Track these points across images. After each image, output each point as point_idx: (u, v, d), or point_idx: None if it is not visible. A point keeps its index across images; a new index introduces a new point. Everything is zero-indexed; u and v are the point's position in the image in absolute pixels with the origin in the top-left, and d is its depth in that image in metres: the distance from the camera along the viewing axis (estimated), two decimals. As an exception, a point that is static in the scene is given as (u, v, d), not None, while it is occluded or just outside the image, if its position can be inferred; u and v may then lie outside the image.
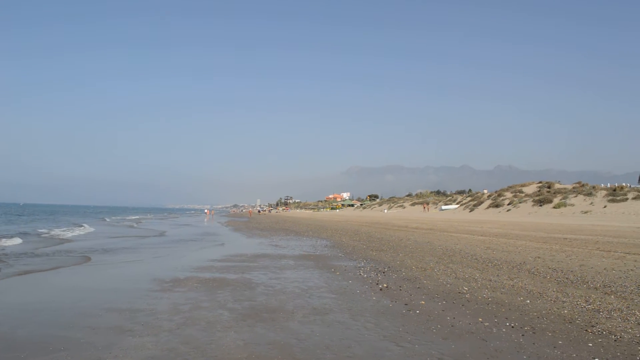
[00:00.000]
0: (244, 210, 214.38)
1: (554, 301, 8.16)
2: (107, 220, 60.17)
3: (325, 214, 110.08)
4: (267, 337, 6.42)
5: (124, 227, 41.90)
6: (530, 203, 54.37)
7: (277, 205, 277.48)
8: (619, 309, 7.51)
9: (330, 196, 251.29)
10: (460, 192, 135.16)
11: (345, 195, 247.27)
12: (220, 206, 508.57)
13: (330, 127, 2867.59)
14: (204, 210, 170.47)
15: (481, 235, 22.51)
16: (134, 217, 72.26)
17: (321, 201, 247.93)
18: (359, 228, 33.60)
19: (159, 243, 22.64)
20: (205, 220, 67.77)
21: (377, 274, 11.48)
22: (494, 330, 6.60)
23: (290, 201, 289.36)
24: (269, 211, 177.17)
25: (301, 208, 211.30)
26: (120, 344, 6.14)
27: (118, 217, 70.99)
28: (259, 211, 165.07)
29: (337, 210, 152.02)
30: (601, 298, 8.28)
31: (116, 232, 32.70)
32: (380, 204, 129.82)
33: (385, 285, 9.96)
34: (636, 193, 44.85)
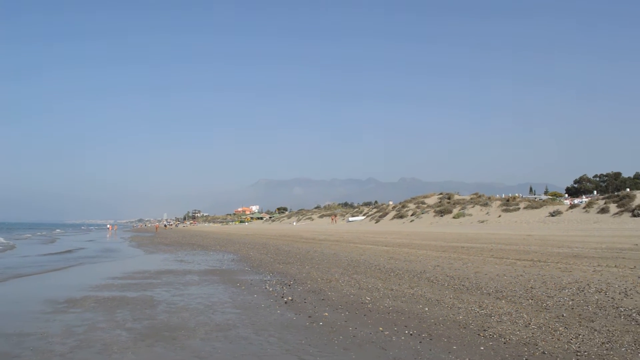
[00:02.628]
0: (149, 225, 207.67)
1: (451, 307, 8.51)
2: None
3: (233, 227, 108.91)
4: (166, 356, 6.23)
5: (20, 244, 39.18)
6: (432, 214, 56.58)
7: (185, 219, 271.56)
8: (508, 312, 7.95)
9: (239, 209, 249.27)
10: (367, 204, 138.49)
11: (254, 208, 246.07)
12: (124, 221, 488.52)
13: (237, 140, 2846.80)
14: (106, 225, 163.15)
15: (385, 246, 23.12)
16: (27, 235, 67.78)
17: (230, 214, 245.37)
18: (267, 241, 33.47)
19: (53, 261, 21.37)
20: (108, 236, 64.85)
21: (282, 287, 11.48)
22: (394, 338, 6.78)
23: (198, 215, 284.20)
24: (176, 225, 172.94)
25: (209, 222, 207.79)
26: (4, 371, 5.73)
27: (11, 235, 66.24)
28: (165, 225, 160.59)
29: (246, 223, 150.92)
30: (493, 303, 8.73)
31: (8, 251, 30.49)
32: (289, 217, 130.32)
33: (290, 298, 9.98)
34: (527, 203, 47.90)
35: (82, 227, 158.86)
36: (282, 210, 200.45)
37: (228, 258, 20.72)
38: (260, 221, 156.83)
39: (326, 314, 8.39)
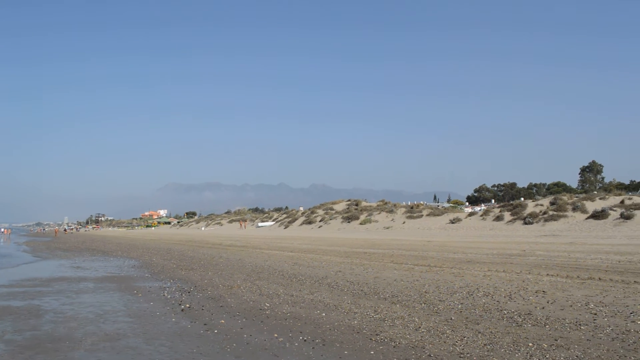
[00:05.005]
0: (48, 229, 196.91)
1: (347, 313, 8.65)
2: None
3: (139, 232, 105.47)
4: (46, 369, 5.89)
5: None
6: (339, 220, 57.44)
7: (87, 223, 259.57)
8: (401, 316, 8.19)
9: (146, 213, 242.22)
10: (278, 210, 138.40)
11: (162, 212, 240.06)
12: (20, 224, 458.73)
13: (146, 142, 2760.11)
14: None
15: (291, 252, 23.18)
16: None
17: (136, 219, 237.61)
18: (172, 246, 32.67)
19: None
20: (1, 241, 60.79)
21: (181, 294, 11.21)
22: (287, 344, 6.79)
23: (102, 219, 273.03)
24: (77, 230, 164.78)
25: (114, 226, 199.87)
26: None
27: None
28: (65, 230, 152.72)
29: (153, 228, 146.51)
30: (388, 307, 8.96)
31: None
32: (197, 222, 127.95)
33: (187, 305, 9.76)
34: (430, 210, 49.79)
35: None
36: (190, 215, 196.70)
37: (129, 264, 20.02)
38: (167, 226, 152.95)
39: (223, 321, 8.27)
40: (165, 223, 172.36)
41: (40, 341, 7.17)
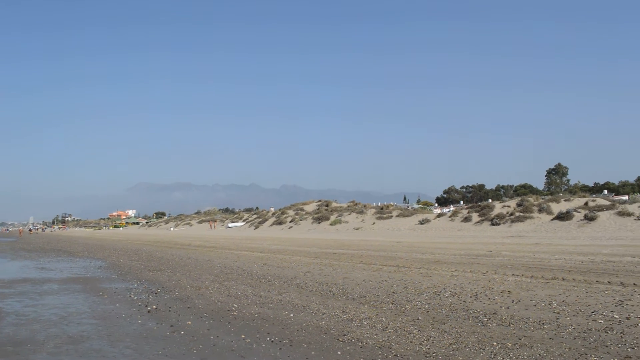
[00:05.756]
0: (12, 229, 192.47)
1: (315, 313, 8.66)
2: None
3: (106, 232, 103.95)
4: (5, 373, 5.76)
5: None
6: (310, 220, 57.48)
7: (53, 223, 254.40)
8: (369, 317, 8.23)
9: (114, 214, 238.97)
10: (248, 210, 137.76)
11: (131, 212, 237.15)
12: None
13: (115, 141, 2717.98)
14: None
15: (260, 252, 23.10)
16: None
17: (104, 219, 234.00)
18: (140, 247, 32.26)
19: None
20: (-40, 241, 59.11)
21: (148, 296, 11.08)
22: (254, 346, 6.76)
23: (69, 219, 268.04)
24: (43, 230, 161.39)
25: (81, 227, 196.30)
26: None
27: None
28: (30, 230, 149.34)
29: (121, 228, 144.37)
30: (356, 308, 9.00)
31: None
32: (167, 222, 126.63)
33: (154, 306, 9.64)
34: (399, 211, 50.17)
35: None
36: (160, 215, 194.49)
37: (95, 265, 19.69)
38: (136, 226, 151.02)
39: (189, 322, 8.19)
40: (134, 223, 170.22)
41: (1, 344, 7.00)
